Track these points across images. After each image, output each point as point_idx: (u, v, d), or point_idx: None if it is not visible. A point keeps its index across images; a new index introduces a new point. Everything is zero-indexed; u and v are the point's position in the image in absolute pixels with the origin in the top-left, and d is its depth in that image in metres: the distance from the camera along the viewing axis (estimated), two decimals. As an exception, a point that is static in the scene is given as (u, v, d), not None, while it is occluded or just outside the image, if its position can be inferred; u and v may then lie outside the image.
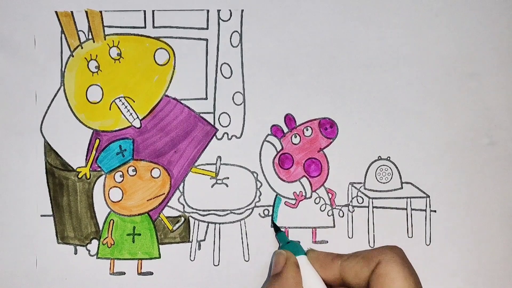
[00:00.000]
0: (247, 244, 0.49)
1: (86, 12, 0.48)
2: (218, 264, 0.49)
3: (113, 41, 0.49)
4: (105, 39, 0.49)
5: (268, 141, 0.49)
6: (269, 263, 0.49)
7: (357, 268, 0.42)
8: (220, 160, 0.49)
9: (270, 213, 0.49)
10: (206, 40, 0.49)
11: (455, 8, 0.50)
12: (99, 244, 0.49)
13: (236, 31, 0.49)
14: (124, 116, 0.49)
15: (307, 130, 0.49)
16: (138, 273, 0.49)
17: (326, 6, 0.49)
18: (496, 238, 0.49)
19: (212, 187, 0.49)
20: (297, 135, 0.49)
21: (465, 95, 0.50)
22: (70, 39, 0.48)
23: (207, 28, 0.49)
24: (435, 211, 0.49)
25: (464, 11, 0.50)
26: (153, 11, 0.49)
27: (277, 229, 0.49)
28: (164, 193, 0.49)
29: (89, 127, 0.49)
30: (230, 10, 0.49)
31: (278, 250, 0.47)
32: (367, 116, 0.49)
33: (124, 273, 0.49)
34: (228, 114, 0.49)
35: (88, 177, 0.49)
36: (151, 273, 0.49)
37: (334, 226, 0.49)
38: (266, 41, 0.49)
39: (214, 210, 0.49)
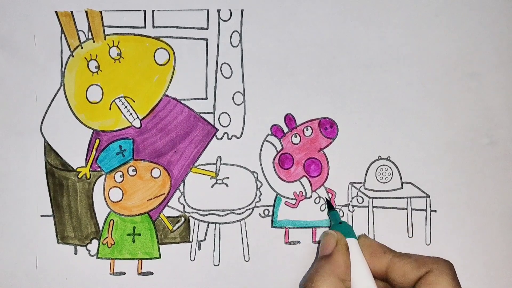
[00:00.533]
0: (247, 244, 0.49)
1: (86, 12, 0.48)
2: (218, 264, 0.49)
3: (113, 41, 0.49)
4: (105, 39, 0.49)
5: (268, 141, 0.49)
6: (268, 262, 0.49)
7: (407, 268, 0.42)
8: (220, 160, 0.49)
9: (270, 213, 0.49)
10: (206, 40, 0.49)
11: (455, 8, 0.50)
12: (99, 244, 0.49)
13: (236, 31, 0.49)
14: (124, 116, 0.49)
15: (307, 130, 0.49)
16: (138, 273, 0.49)
17: (326, 6, 0.49)
18: (496, 238, 0.49)
19: (212, 187, 0.49)
20: (297, 135, 0.49)
21: (465, 95, 0.50)
22: (70, 39, 0.48)
23: (207, 28, 0.49)
24: (435, 211, 0.49)
25: (464, 11, 0.50)
26: (153, 11, 0.49)
27: (330, 206, 0.48)
28: (164, 193, 0.49)
29: (89, 127, 0.49)
30: (230, 10, 0.49)
31: (328, 230, 0.46)
32: (367, 116, 0.49)
33: (124, 273, 0.49)
34: (228, 114, 0.49)
35: (88, 177, 0.49)
36: (151, 273, 0.49)
37: (334, 226, 0.49)
38: (266, 41, 0.49)
39: (214, 210, 0.49)
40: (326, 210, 0.49)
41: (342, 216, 0.49)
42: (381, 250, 0.44)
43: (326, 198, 0.49)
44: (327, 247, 0.44)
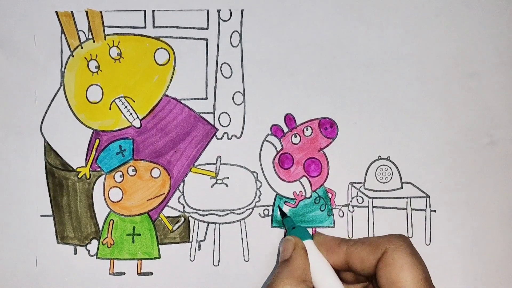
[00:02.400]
0: (247, 244, 0.49)
1: (86, 12, 0.48)
2: (218, 264, 0.49)
3: (113, 41, 0.49)
4: (105, 39, 0.49)
5: (268, 141, 0.49)
6: (268, 262, 0.49)
7: (364, 254, 0.42)
8: (220, 160, 0.49)
9: (270, 213, 0.49)
10: (206, 40, 0.49)
11: (455, 8, 0.50)
12: (99, 244, 0.49)
13: (236, 31, 0.49)
14: (124, 116, 0.49)
15: (307, 130, 0.49)
16: (138, 273, 0.49)
17: (326, 6, 0.49)
18: (496, 238, 0.49)
19: (212, 187, 0.49)
20: (297, 135, 0.49)
21: (465, 95, 0.50)
22: (70, 39, 0.48)
23: (207, 28, 0.49)
24: (435, 211, 0.49)
25: (464, 11, 0.50)
26: (153, 11, 0.49)
27: (283, 214, 0.48)
28: (164, 193, 0.49)
29: (89, 127, 0.49)
30: (230, 10, 0.49)
31: (286, 236, 0.46)
32: (367, 116, 0.49)
33: (124, 273, 0.49)
34: (228, 114, 0.49)
35: (88, 177, 0.49)
36: (151, 273, 0.49)
37: (334, 226, 0.49)
38: (266, 41, 0.49)
39: (214, 210, 0.49)
40: (280, 218, 0.49)
41: (342, 216, 0.49)
42: (335, 244, 0.45)
43: (278, 206, 0.49)
44: (285, 252, 0.45)
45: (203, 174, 0.49)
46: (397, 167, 0.49)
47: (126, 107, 0.49)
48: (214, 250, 0.49)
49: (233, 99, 0.49)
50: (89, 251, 0.49)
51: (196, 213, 0.49)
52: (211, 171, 0.49)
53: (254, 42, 0.49)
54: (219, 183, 0.49)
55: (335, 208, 0.49)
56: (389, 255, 0.41)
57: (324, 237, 0.46)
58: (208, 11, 0.49)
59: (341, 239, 0.45)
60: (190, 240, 0.49)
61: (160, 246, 0.49)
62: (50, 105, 0.48)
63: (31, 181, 0.48)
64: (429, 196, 0.50)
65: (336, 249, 0.44)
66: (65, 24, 0.48)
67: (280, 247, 0.46)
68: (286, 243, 0.45)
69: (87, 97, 0.49)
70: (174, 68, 0.49)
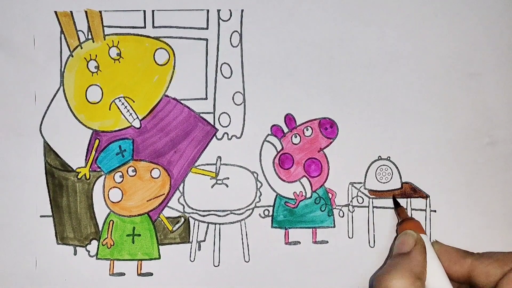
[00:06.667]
0: (247, 245, 0.49)
1: (86, 12, 0.48)
2: (218, 265, 0.49)
3: (112, 41, 0.48)
4: (104, 39, 0.49)
5: (268, 141, 0.49)
6: (268, 263, 0.49)
7: (490, 269, 0.42)
8: (220, 160, 0.49)
9: (270, 213, 0.49)
10: (206, 40, 0.49)
11: (455, 8, 0.50)
12: (98, 244, 0.49)
13: (236, 31, 0.49)
14: (124, 116, 0.49)
15: (307, 130, 0.49)
16: (138, 274, 0.49)
17: (326, 6, 0.49)
18: (496, 238, 0.49)
19: (212, 187, 0.49)
20: (297, 135, 0.49)
21: (465, 95, 0.50)
22: (70, 39, 0.48)
23: (207, 28, 0.49)
24: (435, 211, 0.49)
25: (464, 11, 0.50)
26: (152, 11, 0.49)
27: (396, 204, 0.49)
28: (164, 194, 0.49)
29: (88, 128, 0.49)
30: (230, 10, 0.49)
31: (407, 230, 0.45)
32: (367, 116, 0.49)
33: (123, 274, 0.49)
34: (228, 114, 0.49)
35: (87, 177, 0.49)
36: (151, 274, 0.49)
37: (334, 226, 0.49)
38: (266, 41, 0.49)
39: (214, 210, 0.49)
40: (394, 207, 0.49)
41: (342, 216, 0.49)
42: (459, 255, 0.44)
43: (393, 196, 0.49)
44: (405, 245, 0.44)
45: (203, 174, 0.49)
46: (397, 167, 0.49)
47: (126, 107, 0.48)
48: (214, 251, 0.49)
49: (233, 99, 0.49)
50: (89, 251, 0.49)
51: (196, 213, 0.49)
52: (211, 172, 0.49)
53: (254, 42, 0.49)
54: (219, 184, 0.49)
55: (335, 208, 0.49)
56: None
57: (446, 247, 0.45)
58: (208, 11, 0.49)
59: (463, 251, 0.45)
60: (190, 240, 0.49)
61: (160, 246, 0.49)
62: (49, 105, 0.48)
63: (30, 182, 0.48)
64: (429, 196, 0.50)
65: (460, 261, 0.44)
66: (65, 24, 0.48)
67: (397, 239, 0.45)
68: (407, 237, 0.44)
69: (86, 98, 0.48)
70: (174, 68, 0.49)
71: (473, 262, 0.43)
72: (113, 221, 0.49)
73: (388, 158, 0.49)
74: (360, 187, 0.49)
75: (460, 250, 0.45)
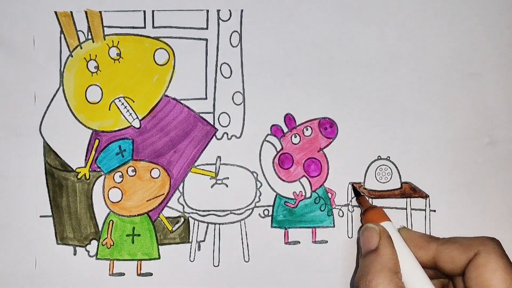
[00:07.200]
0: (247, 245, 0.49)
1: (86, 12, 0.48)
2: (218, 265, 0.49)
3: (112, 41, 0.48)
4: (104, 39, 0.49)
5: (268, 141, 0.49)
6: (268, 263, 0.49)
7: (455, 254, 0.42)
8: (220, 160, 0.49)
9: (270, 213, 0.49)
10: (206, 40, 0.49)
11: (455, 8, 0.50)
12: (98, 245, 0.49)
13: (236, 31, 0.49)
14: (124, 116, 0.49)
15: (307, 130, 0.49)
16: (137, 274, 0.49)
17: (326, 6, 0.49)
18: (496, 238, 0.49)
19: (212, 187, 0.49)
20: (297, 135, 0.49)
21: (465, 95, 0.50)
22: (70, 39, 0.48)
23: (206, 28, 0.49)
24: (434, 211, 0.49)
25: (464, 11, 0.50)
26: (152, 11, 0.49)
27: (357, 193, 0.48)
28: (163, 194, 0.49)
29: (88, 128, 0.49)
30: (229, 10, 0.49)
31: (367, 224, 0.45)
32: (367, 116, 0.49)
33: (123, 274, 0.49)
34: (228, 114, 0.49)
35: (87, 177, 0.49)
36: (151, 274, 0.49)
37: (334, 226, 0.49)
38: (266, 41, 0.49)
39: (214, 210, 0.49)
40: (355, 198, 0.49)
41: (342, 216, 0.49)
42: (424, 240, 0.44)
43: (352, 184, 0.49)
44: (371, 241, 0.43)
45: (203, 174, 0.49)
46: (396, 167, 0.49)
47: (125, 107, 0.48)
48: (214, 251, 0.49)
49: (232, 99, 0.49)
50: (88, 251, 0.49)
51: (196, 213, 0.49)
52: (211, 171, 0.49)
53: (253, 42, 0.49)
54: (219, 183, 0.49)
55: (335, 208, 0.49)
56: (481, 257, 0.41)
57: (411, 233, 0.45)
58: (207, 11, 0.49)
59: (429, 236, 0.45)
60: (190, 240, 0.49)
61: (160, 246, 0.49)
62: (49, 105, 0.48)
63: (30, 182, 0.48)
64: (428, 196, 0.50)
65: (425, 246, 0.44)
66: (65, 24, 0.48)
67: (361, 236, 0.45)
68: (370, 231, 0.44)
69: (86, 98, 0.48)
70: (173, 68, 0.49)
71: (438, 248, 0.43)
72: (112, 221, 0.49)
73: (388, 158, 0.49)
74: (360, 187, 0.49)
75: (426, 235, 0.45)
